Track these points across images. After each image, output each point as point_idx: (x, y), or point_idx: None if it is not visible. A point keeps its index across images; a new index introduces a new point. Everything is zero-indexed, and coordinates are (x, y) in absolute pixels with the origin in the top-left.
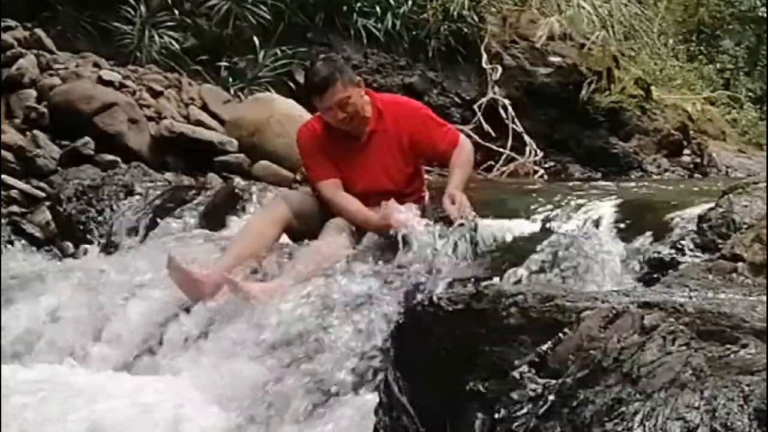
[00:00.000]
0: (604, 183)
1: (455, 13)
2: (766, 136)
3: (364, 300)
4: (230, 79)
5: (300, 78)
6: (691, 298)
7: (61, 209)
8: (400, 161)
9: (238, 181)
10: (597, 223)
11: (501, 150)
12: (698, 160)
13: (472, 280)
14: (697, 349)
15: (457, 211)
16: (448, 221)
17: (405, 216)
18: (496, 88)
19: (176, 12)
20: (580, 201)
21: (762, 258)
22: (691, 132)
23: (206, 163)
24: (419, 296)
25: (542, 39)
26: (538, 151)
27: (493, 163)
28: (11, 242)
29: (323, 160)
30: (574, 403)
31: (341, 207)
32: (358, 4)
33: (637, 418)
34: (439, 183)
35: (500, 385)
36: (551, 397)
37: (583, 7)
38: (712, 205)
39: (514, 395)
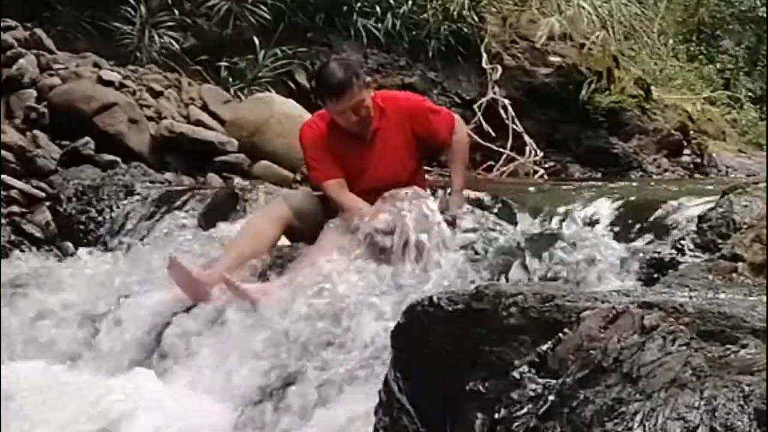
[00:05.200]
0: (603, 183)
1: (455, 13)
2: (766, 136)
3: (362, 300)
4: (230, 79)
5: (300, 78)
6: (691, 298)
7: (61, 209)
8: (404, 157)
9: (238, 181)
10: (595, 223)
11: (501, 150)
12: (698, 160)
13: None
14: (697, 349)
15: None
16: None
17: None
18: (496, 88)
19: (176, 12)
20: (580, 201)
21: (762, 258)
22: (691, 132)
23: (206, 163)
24: (419, 296)
25: (542, 39)
26: (538, 151)
27: (493, 163)
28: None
29: (328, 159)
30: (574, 403)
31: (347, 206)
32: (358, 4)
33: (637, 418)
34: (438, 183)
35: (500, 385)
36: (551, 397)
37: (583, 7)
38: (712, 205)
39: (514, 395)
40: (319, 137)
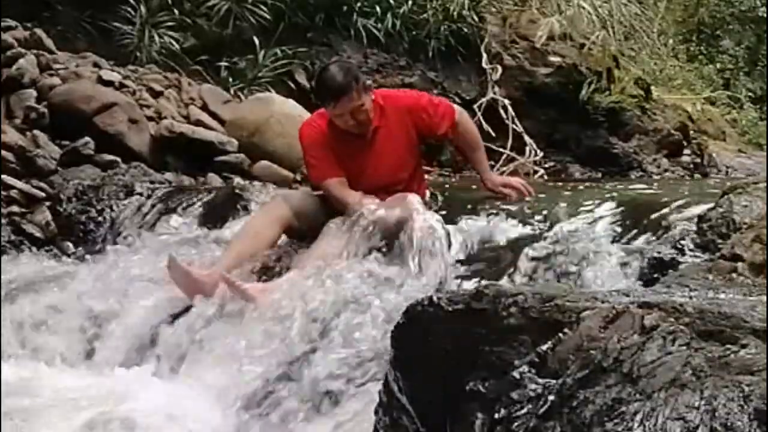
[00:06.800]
0: (603, 183)
1: (455, 13)
2: (766, 136)
3: (362, 300)
4: (230, 79)
5: (300, 78)
6: (691, 298)
7: (61, 209)
8: (405, 155)
9: (238, 181)
10: (596, 223)
11: (501, 150)
12: (698, 160)
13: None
14: (697, 349)
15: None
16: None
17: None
18: (496, 88)
19: (176, 12)
20: (580, 200)
21: (762, 258)
22: (691, 132)
23: (206, 163)
24: (419, 296)
25: (542, 39)
26: (538, 151)
27: (493, 163)
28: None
29: (329, 158)
30: (574, 403)
31: (350, 201)
32: (358, 4)
33: (637, 418)
34: (438, 182)
35: (500, 385)
36: (551, 397)
37: (583, 7)
38: (712, 205)
39: (514, 395)
40: (319, 136)
